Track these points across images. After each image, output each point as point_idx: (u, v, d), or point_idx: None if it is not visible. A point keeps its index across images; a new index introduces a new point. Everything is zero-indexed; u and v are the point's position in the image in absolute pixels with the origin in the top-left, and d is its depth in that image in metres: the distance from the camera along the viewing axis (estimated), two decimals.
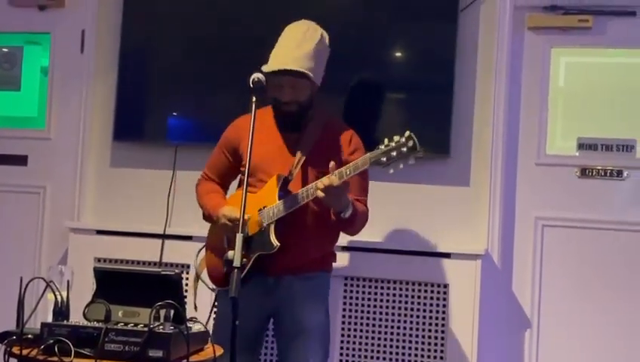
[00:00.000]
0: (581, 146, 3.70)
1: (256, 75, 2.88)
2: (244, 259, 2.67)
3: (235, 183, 3.25)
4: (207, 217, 3.10)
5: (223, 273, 2.93)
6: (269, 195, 2.93)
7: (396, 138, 2.78)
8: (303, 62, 2.92)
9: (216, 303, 3.12)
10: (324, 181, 2.80)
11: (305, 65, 2.92)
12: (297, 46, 2.94)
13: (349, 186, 2.86)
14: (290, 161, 2.99)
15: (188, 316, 2.45)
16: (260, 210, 2.92)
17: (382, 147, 2.78)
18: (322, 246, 3.05)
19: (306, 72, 2.91)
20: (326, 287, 3.11)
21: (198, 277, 3.17)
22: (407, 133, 2.78)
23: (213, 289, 3.09)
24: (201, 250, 3.17)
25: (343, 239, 3.62)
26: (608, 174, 3.65)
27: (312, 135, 3.02)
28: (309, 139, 3.01)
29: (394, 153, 2.76)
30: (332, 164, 2.80)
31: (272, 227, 2.89)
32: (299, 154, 2.99)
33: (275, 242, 2.86)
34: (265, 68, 2.94)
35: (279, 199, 2.91)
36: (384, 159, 2.77)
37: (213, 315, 3.07)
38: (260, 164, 2.97)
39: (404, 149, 2.76)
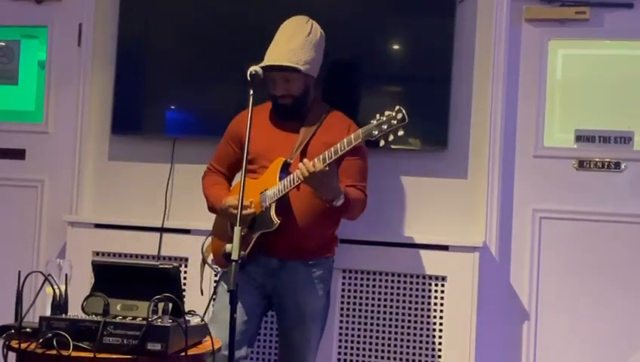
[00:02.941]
0: (579, 138, 3.70)
1: (253, 68, 2.94)
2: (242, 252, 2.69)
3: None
4: (211, 208, 3.25)
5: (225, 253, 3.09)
6: (270, 178, 3.08)
7: (387, 112, 2.93)
8: (293, 55, 3.07)
9: (217, 286, 3.26)
10: (308, 165, 2.90)
11: (294, 59, 3.07)
12: (287, 41, 3.10)
13: (336, 172, 2.97)
14: (290, 147, 3.12)
15: (186, 309, 2.46)
16: (262, 192, 3.04)
17: (373, 122, 2.93)
18: (322, 228, 3.15)
19: (293, 65, 3.06)
20: (329, 272, 3.24)
21: (204, 262, 3.30)
22: (397, 107, 2.94)
23: (217, 271, 3.31)
24: (208, 237, 3.30)
25: (341, 233, 3.63)
26: (606, 166, 3.65)
27: (312, 123, 3.16)
28: (308, 126, 3.15)
29: (385, 126, 2.92)
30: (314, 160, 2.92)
31: (273, 206, 3.02)
32: (299, 140, 3.11)
33: (276, 219, 3.00)
34: (259, 64, 3.05)
35: (279, 181, 3.04)
36: (376, 132, 2.92)
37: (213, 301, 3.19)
38: (262, 152, 3.14)
39: (394, 122, 2.91)
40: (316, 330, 3.19)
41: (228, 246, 2.74)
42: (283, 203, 3.04)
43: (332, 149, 2.93)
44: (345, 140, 2.93)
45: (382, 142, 2.93)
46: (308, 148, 3.11)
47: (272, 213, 3.01)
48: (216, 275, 3.50)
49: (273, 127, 3.19)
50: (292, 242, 3.05)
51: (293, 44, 3.09)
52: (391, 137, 2.93)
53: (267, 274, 3.12)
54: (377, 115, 2.94)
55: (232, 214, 3.02)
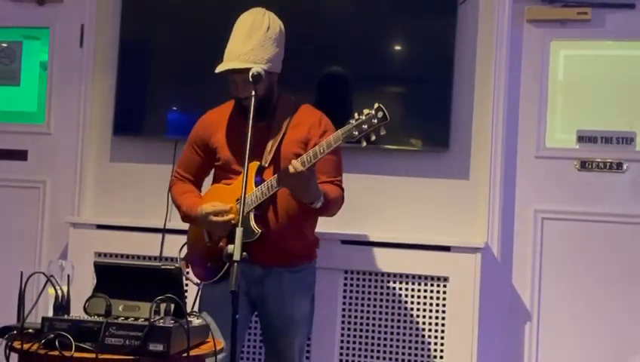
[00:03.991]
0: (581, 139, 3.70)
1: (255, 69, 2.88)
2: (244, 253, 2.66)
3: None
4: (184, 217, 3.12)
5: (206, 267, 3.00)
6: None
7: (366, 111, 2.79)
8: (253, 55, 2.92)
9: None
10: (289, 168, 2.78)
11: (255, 59, 2.91)
12: (245, 40, 2.94)
13: (315, 174, 2.84)
14: (262, 148, 2.98)
15: (188, 309, 2.46)
16: (238, 199, 2.85)
17: (352, 121, 2.78)
18: (303, 229, 3.05)
19: (254, 67, 2.88)
20: (313, 276, 3.14)
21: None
22: (377, 105, 2.79)
23: (198, 284, 3.09)
24: (182, 248, 3.18)
25: (342, 234, 3.63)
26: (608, 167, 3.65)
27: (281, 121, 3.03)
28: (278, 125, 3.02)
29: (365, 126, 2.76)
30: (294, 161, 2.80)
31: (252, 215, 2.90)
32: (270, 142, 2.99)
33: (257, 228, 2.88)
34: (217, 68, 2.96)
35: (256, 186, 2.91)
36: (356, 133, 2.77)
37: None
38: (233, 157, 3.00)
39: (375, 121, 2.76)
40: (304, 336, 3.12)
41: (230, 247, 2.71)
42: (261, 208, 2.91)
43: (311, 153, 2.80)
44: (324, 143, 2.80)
45: (364, 143, 2.79)
46: (281, 148, 2.98)
47: (252, 222, 2.89)
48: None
49: (243, 130, 2.93)
50: (275, 248, 2.94)
51: (253, 42, 2.93)
52: (373, 137, 2.78)
53: (251, 282, 3.00)
54: (356, 114, 2.79)
55: (211, 222, 2.93)
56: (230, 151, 3.03)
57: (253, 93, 2.85)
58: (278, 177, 2.86)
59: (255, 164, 2.95)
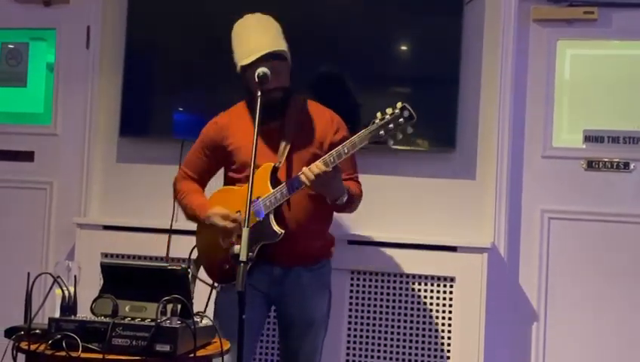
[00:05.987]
0: (587, 138, 3.69)
1: (261, 70, 2.85)
2: (250, 253, 2.66)
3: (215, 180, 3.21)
4: (191, 217, 3.08)
5: (224, 269, 2.94)
6: (260, 186, 2.88)
7: (389, 110, 2.76)
8: (277, 43, 2.91)
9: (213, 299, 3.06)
10: (313, 169, 2.77)
11: (280, 46, 2.91)
12: (263, 32, 2.93)
13: (340, 172, 2.84)
14: (275, 149, 2.96)
15: (195, 310, 2.46)
16: (253, 200, 2.83)
17: (377, 121, 2.76)
18: (321, 227, 3.05)
19: (283, 50, 2.90)
20: (329, 274, 3.13)
21: (195, 278, 3.08)
22: (400, 103, 2.76)
23: (214, 286, 3.04)
24: (192, 250, 3.11)
25: (349, 234, 3.63)
26: (615, 166, 3.65)
27: (293, 121, 2.99)
28: (290, 126, 2.98)
29: (391, 125, 2.74)
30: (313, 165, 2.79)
31: (272, 216, 2.87)
32: (283, 142, 2.96)
33: (279, 229, 2.86)
34: (245, 60, 2.90)
35: (273, 188, 2.89)
36: (382, 133, 2.75)
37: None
38: (248, 160, 2.86)
39: (402, 120, 2.75)
40: (323, 335, 3.12)
41: (236, 248, 2.71)
42: (277, 210, 2.89)
43: (334, 153, 2.78)
44: (348, 144, 2.78)
45: (391, 142, 2.77)
46: (295, 148, 2.96)
47: (273, 223, 2.86)
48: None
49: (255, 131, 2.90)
50: (295, 249, 2.92)
51: (271, 33, 2.93)
52: (400, 136, 2.77)
53: (272, 282, 3.00)
54: (379, 114, 2.76)
55: (220, 225, 2.90)
56: (245, 155, 2.95)
57: (259, 93, 2.79)
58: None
59: (269, 165, 2.92)
